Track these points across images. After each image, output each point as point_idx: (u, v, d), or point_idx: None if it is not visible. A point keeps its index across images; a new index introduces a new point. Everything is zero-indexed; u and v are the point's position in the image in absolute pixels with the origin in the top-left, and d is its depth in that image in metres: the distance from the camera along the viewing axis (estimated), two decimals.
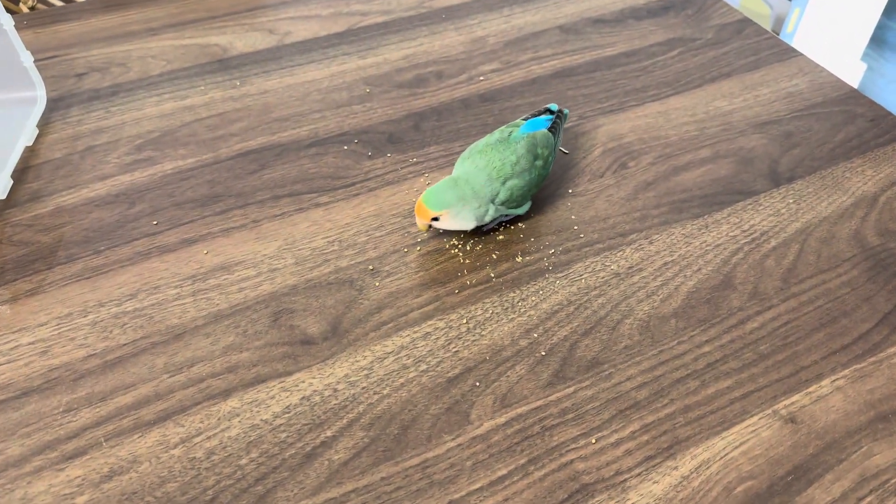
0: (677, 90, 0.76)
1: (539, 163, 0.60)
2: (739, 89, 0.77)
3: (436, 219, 0.56)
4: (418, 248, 0.59)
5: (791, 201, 0.65)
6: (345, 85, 0.75)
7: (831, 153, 0.70)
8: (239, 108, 0.72)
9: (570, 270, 0.58)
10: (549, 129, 0.61)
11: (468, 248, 0.60)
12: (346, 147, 0.68)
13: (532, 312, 0.55)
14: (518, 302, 0.56)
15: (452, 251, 0.59)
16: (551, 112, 0.64)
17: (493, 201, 0.57)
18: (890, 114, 0.75)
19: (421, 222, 0.57)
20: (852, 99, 0.76)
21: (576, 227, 0.62)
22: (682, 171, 0.67)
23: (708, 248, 0.60)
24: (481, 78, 0.77)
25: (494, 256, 0.59)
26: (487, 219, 0.58)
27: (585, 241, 0.60)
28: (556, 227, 0.61)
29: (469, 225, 0.57)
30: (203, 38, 0.81)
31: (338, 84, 0.76)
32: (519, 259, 0.59)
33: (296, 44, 0.81)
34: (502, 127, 0.62)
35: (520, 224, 0.62)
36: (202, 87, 0.75)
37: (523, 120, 0.63)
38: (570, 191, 0.65)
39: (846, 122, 0.74)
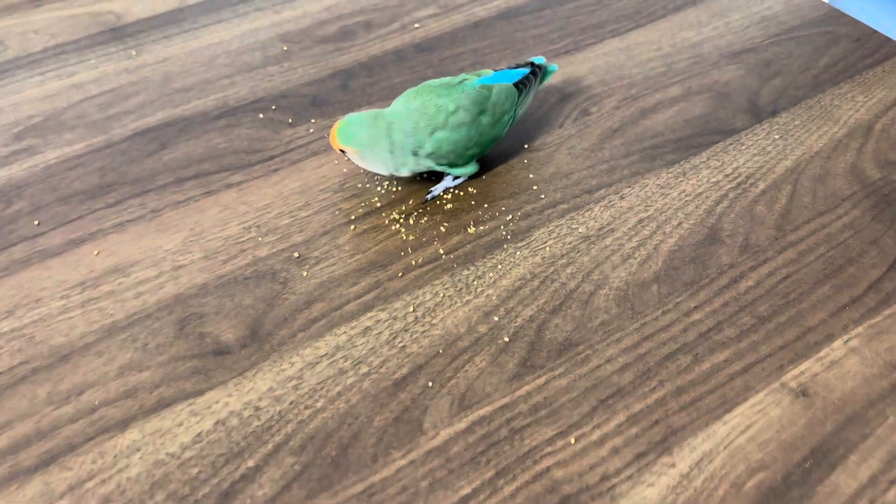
0: (639, 23, 0.68)
1: (486, 119, 0.51)
2: (708, 17, 0.68)
3: (342, 151, 0.50)
4: (352, 226, 0.50)
5: (777, 137, 0.57)
6: (258, 44, 0.65)
7: (816, 80, 0.62)
8: (135, 82, 0.62)
9: (532, 238, 0.50)
10: (518, 84, 0.53)
11: (411, 221, 0.51)
12: (261, 115, 0.59)
13: (490, 292, 0.47)
14: (473, 281, 0.47)
15: (393, 227, 0.50)
16: (533, 66, 0.55)
17: (415, 153, 0.49)
18: (875, 32, 0.67)
19: (334, 147, 0.51)
20: (832, 18, 0.68)
21: (535, 188, 0.53)
22: (651, 113, 0.59)
23: (688, 198, 0.52)
24: (416, 25, 0.67)
25: (443, 229, 0.50)
26: (405, 171, 0.50)
27: (547, 203, 0.52)
28: (513, 189, 0.53)
29: (381, 171, 0.50)
30: (94, 6, 0.70)
31: (250, 44, 0.65)
32: (471, 230, 0.50)
33: (201, 3, 0.70)
34: (465, 73, 0.54)
35: (470, 189, 0.53)
36: (92, 61, 0.64)
37: (494, 70, 0.54)
38: (525, 146, 0.56)
39: (829, 44, 0.66)
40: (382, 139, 0.48)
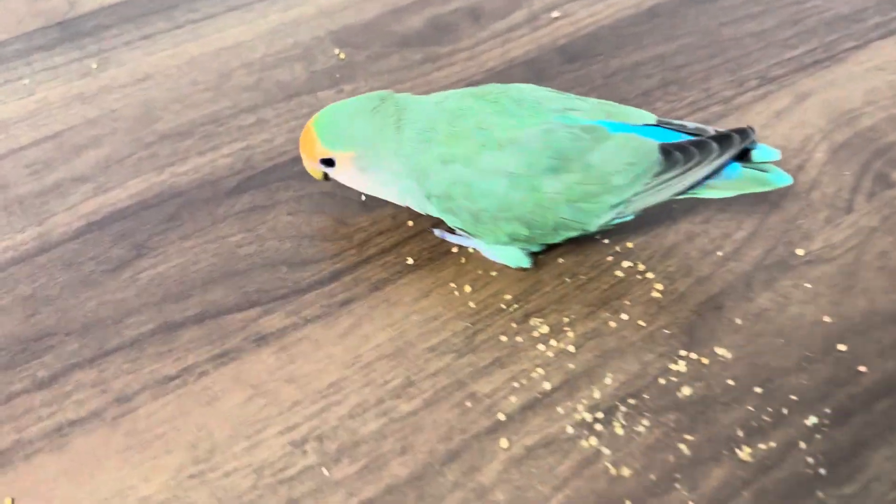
0: None
1: (557, 185, 0.27)
2: None
3: (328, 163, 0.30)
4: (517, 473, 0.26)
5: None
6: (298, 49, 0.40)
7: None
8: (94, 119, 0.37)
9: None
10: (669, 149, 0.27)
11: (616, 429, 0.26)
12: (312, 186, 0.34)
13: None
14: None
15: (612, 470, 0.26)
16: (724, 136, 0.27)
17: (419, 180, 0.28)
18: None
19: (309, 165, 0.31)
20: None
21: (842, 347, 0.28)
22: None
23: None
24: (555, 14, 0.41)
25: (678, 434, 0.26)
26: (430, 209, 0.29)
27: (876, 384, 0.27)
28: (800, 349, 0.27)
29: (392, 198, 0.30)
30: None
31: (284, 49, 0.40)
32: (745, 452, 0.25)
33: None
34: (588, 100, 0.29)
35: (716, 348, 0.28)
36: (26, 81, 0.39)
37: (640, 120, 0.28)
38: (795, 250, 0.31)
39: None
40: (390, 137, 0.28)
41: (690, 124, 0.28)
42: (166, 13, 0.42)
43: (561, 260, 0.31)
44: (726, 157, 0.27)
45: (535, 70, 0.38)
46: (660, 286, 0.30)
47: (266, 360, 0.28)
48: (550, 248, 0.31)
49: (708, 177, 0.27)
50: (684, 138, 0.28)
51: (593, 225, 0.28)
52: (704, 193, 0.28)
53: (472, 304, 0.29)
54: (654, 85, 0.37)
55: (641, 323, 0.29)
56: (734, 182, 0.27)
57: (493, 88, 0.29)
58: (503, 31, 0.40)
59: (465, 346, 0.28)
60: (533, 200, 0.27)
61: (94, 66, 0.39)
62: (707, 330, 0.28)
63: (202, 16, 0.42)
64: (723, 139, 0.27)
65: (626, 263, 0.30)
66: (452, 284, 0.30)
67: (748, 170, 0.27)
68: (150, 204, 0.33)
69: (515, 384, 0.27)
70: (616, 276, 0.30)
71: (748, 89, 0.37)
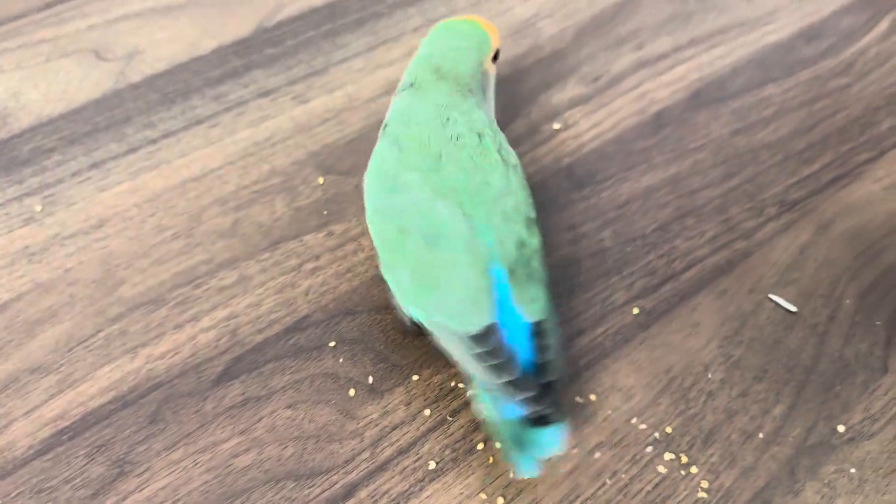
0: None
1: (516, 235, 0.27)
2: None
3: None
4: None
5: None
6: (277, 179, 0.35)
7: None
8: (46, 283, 0.32)
9: None
10: (491, 332, 0.26)
11: None
12: (310, 365, 0.30)
13: None
14: None
15: None
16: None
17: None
18: None
19: None
20: None
21: None
22: None
23: None
24: (556, 127, 0.38)
25: None
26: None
27: None
28: None
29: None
30: None
31: (261, 178, 0.35)
32: None
33: (155, 79, 0.39)
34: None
35: None
36: None
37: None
38: (836, 427, 0.29)
39: None
40: (389, 139, 0.30)
41: (552, 354, 0.26)
42: (117, 130, 0.37)
43: (597, 455, 0.28)
44: (502, 394, 0.25)
45: (545, 198, 0.35)
46: (705, 483, 0.28)
47: None
48: (582, 439, 0.28)
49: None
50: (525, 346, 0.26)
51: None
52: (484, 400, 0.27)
53: None
54: (670, 216, 0.35)
55: None
56: (502, 420, 0.26)
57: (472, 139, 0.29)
58: (533, 153, 0.37)
59: None
60: (463, 246, 0.26)
61: (39, 208, 0.34)
62: None
63: (160, 133, 0.37)
64: (517, 384, 0.25)
65: (667, 455, 0.28)
66: (483, 496, 0.27)
67: (522, 426, 0.25)
68: (127, 401, 0.29)
69: None
70: (659, 473, 0.28)
71: (769, 218, 0.35)
